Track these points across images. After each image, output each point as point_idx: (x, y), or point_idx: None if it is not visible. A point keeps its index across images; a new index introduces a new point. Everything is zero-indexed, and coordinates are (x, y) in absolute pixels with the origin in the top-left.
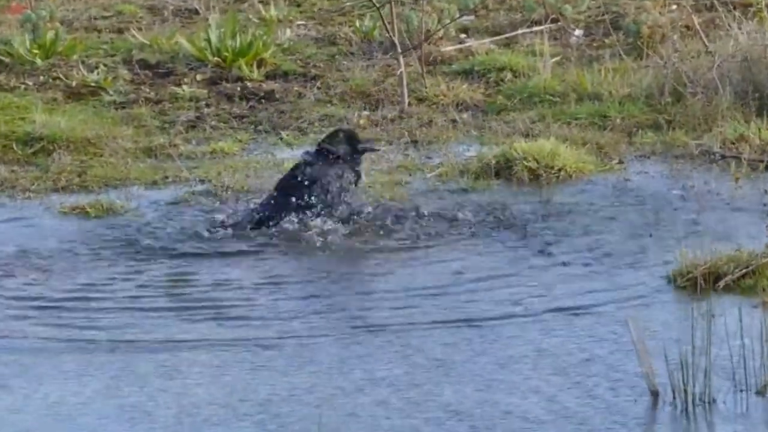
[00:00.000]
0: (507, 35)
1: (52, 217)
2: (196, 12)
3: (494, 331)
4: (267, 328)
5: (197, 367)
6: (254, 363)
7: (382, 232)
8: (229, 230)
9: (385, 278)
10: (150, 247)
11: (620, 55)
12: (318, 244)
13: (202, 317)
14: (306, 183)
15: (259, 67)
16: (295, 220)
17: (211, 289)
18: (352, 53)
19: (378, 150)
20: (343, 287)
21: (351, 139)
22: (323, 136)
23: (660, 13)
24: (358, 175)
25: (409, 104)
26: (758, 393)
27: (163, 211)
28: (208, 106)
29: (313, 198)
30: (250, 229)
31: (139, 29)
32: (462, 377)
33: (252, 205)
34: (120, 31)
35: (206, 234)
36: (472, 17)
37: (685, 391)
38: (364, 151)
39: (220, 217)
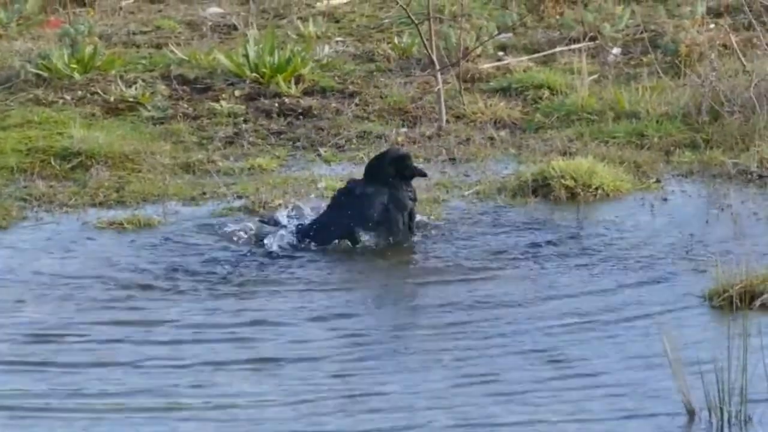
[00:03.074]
0: (545, 53)
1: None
2: (235, 28)
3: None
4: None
5: None
6: None
7: None
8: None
9: None
10: None
11: (658, 73)
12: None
13: None
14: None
15: (297, 83)
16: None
17: None
18: (390, 70)
19: (426, 175)
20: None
21: (399, 162)
22: (371, 155)
23: (698, 31)
24: (411, 199)
25: (447, 121)
26: None
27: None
28: (246, 122)
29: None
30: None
31: (178, 44)
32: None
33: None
34: (158, 47)
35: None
36: (510, 35)
37: (721, 409)
38: (413, 176)
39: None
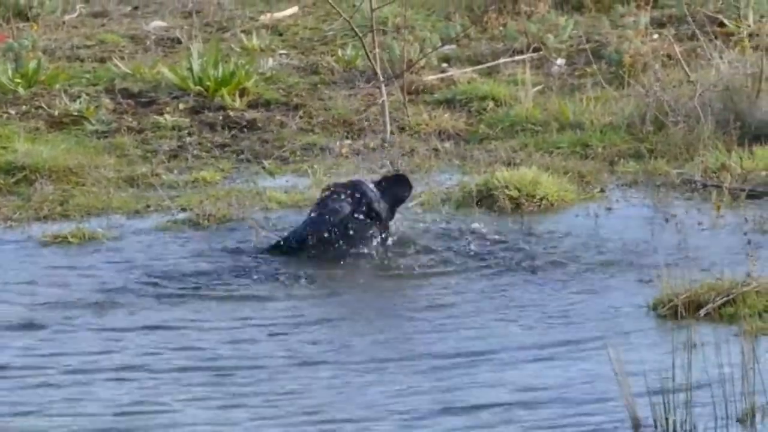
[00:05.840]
0: (489, 64)
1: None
2: (179, 41)
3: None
4: None
5: None
6: None
7: None
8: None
9: None
10: None
11: (602, 84)
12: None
13: None
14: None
15: (241, 96)
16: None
17: None
18: (334, 82)
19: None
20: None
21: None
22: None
23: (642, 42)
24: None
25: (391, 133)
26: (739, 421)
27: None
28: (190, 135)
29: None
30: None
31: (122, 58)
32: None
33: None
34: (102, 61)
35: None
36: (453, 46)
37: (667, 420)
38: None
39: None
